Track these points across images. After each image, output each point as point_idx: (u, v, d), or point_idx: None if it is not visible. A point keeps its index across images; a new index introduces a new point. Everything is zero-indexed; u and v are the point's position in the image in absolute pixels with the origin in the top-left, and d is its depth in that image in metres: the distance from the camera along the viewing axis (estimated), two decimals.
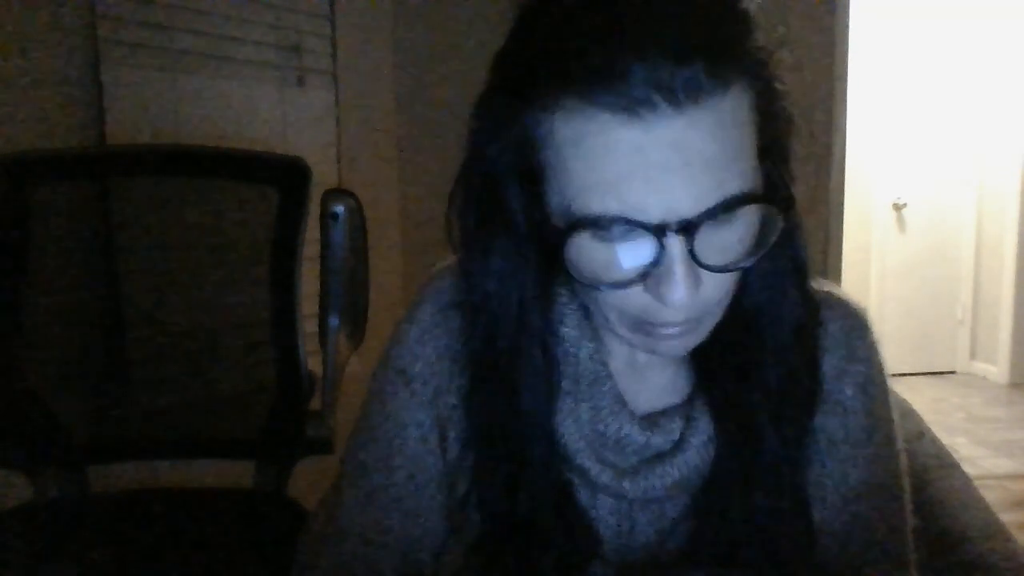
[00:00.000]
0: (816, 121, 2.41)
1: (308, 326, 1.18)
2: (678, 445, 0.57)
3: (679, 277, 0.44)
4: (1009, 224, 4.22)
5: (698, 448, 0.56)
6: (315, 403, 1.19)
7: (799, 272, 0.55)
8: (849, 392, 0.58)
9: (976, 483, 0.74)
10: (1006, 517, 0.71)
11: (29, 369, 1.14)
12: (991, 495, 2.34)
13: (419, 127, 2.16)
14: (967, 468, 0.75)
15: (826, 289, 0.61)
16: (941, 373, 4.56)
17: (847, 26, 2.42)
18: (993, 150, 4.34)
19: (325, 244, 1.17)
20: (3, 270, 1.11)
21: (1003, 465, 3.03)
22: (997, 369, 4.36)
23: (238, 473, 1.21)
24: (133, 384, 1.25)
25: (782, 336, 0.55)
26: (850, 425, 0.58)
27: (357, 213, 1.19)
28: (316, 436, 1.16)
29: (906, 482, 0.60)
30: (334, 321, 1.19)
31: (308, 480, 1.21)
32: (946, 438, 0.94)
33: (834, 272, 2.51)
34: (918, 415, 0.80)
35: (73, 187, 1.20)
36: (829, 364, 0.58)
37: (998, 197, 4.31)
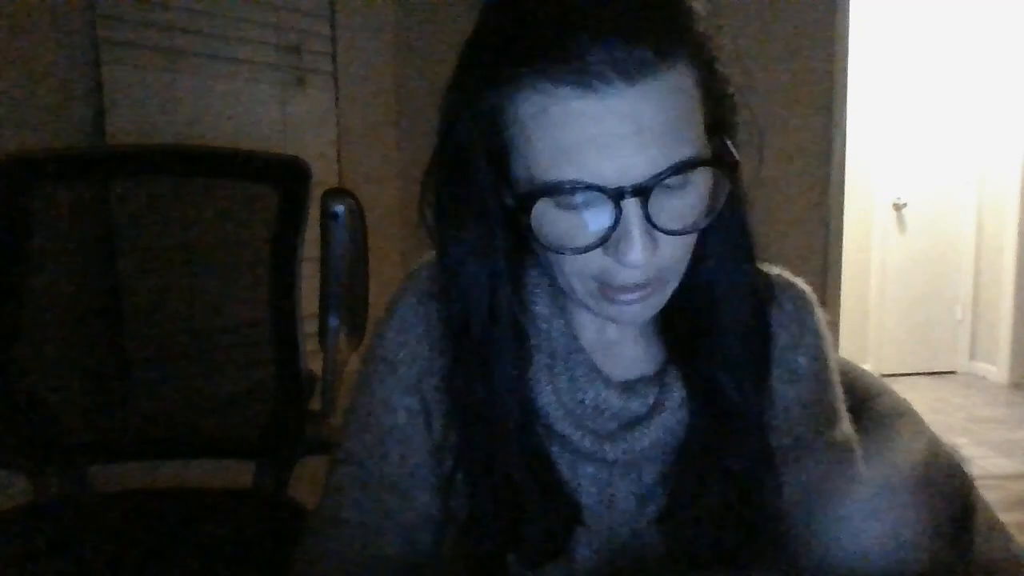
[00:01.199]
0: (816, 121, 2.41)
1: (308, 326, 1.18)
2: (654, 408, 0.60)
3: (636, 238, 0.48)
4: (1009, 224, 4.22)
5: (672, 410, 0.60)
6: (315, 403, 1.19)
7: (748, 246, 0.59)
8: (802, 361, 0.64)
9: (976, 483, 0.73)
10: (1006, 517, 0.71)
11: (29, 369, 1.14)
12: (991, 495, 2.34)
13: (419, 127, 2.16)
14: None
15: (776, 271, 0.65)
16: (941, 373, 4.55)
17: (847, 26, 2.42)
18: (993, 150, 4.34)
19: (325, 244, 1.17)
20: (3, 270, 1.11)
21: (1003, 465, 3.03)
22: (997, 369, 4.35)
23: (238, 473, 1.21)
24: (133, 384, 1.25)
25: (738, 307, 0.60)
26: (802, 390, 0.64)
27: (357, 213, 1.20)
28: (316, 436, 1.16)
29: (852, 433, 0.65)
30: (334, 321, 1.19)
31: (308, 480, 1.21)
32: (946, 438, 0.94)
33: (834, 272, 2.51)
34: (918, 415, 0.80)
35: (73, 187, 1.20)
36: (783, 337, 0.64)
37: (998, 197, 4.31)
